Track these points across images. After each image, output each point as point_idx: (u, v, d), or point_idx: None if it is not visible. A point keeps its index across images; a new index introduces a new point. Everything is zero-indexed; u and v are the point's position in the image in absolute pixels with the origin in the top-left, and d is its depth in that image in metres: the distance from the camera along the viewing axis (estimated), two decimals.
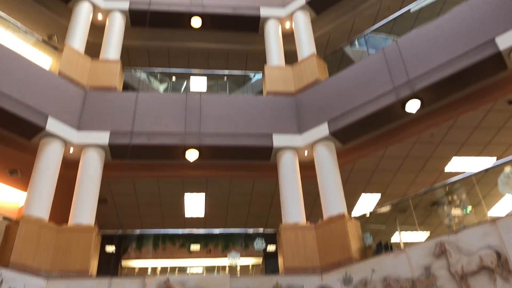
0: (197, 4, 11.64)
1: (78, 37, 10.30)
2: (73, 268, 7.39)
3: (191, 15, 11.53)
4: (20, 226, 7.29)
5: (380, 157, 10.28)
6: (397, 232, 9.41)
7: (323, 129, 9.19)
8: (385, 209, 9.54)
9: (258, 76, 11.67)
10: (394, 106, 8.43)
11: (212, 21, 11.76)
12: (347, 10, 11.77)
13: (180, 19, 11.65)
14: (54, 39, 11.69)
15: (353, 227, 7.99)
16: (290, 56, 11.37)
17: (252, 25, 11.93)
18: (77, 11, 10.75)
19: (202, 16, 11.59)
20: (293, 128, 9.65)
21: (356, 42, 11.36)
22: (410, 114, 8.55)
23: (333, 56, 11.40)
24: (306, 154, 9.47)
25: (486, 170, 7.89)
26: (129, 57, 12.38)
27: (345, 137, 9.17)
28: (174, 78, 12.35)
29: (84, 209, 8.14)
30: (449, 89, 8.16)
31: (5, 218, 8.00)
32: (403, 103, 8.34)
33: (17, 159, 9.20)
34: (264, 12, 11.77)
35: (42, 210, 7.75)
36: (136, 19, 11.51)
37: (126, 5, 11.29)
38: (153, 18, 11.46)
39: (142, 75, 11.99)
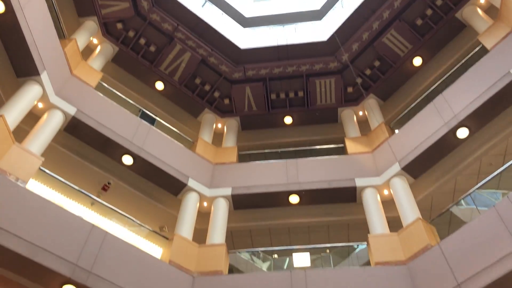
0: (294, 182, 12.19)
1: (186, 225, 11.05)
2: None
3: (289, 193, 12.06)
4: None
5: None
6: None
7: None
8: None
9: (362, 246, 11.25)
10: None
11: (309, 197, 12.13)
12: (445, 171, 11.53)
13: (278, 199, 12.18)
14: (165, 230, 12.54)
15: None
16: (393, 222, 10.98)
17: (349, 196, 12.05)
18: (185, 202, 11.77)
19: (300, 193, 12.04)
20: None
21: (462, 201, 10.77)
22: None
23: (440, 218, 10.78)
24: None
25: None
26: (233, 240, 12.80)
27: None
28: (276, 256, 12.30)
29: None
30: None
31: None
32: None
33: None
34: (359, 182, 11.93)
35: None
36: (239, 203, 12.25)
37: (228, 192, 12.16)
38: (254, 201, 12.17)
39: (245, 255, 12.13)
